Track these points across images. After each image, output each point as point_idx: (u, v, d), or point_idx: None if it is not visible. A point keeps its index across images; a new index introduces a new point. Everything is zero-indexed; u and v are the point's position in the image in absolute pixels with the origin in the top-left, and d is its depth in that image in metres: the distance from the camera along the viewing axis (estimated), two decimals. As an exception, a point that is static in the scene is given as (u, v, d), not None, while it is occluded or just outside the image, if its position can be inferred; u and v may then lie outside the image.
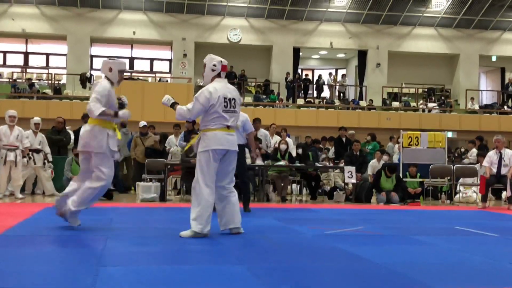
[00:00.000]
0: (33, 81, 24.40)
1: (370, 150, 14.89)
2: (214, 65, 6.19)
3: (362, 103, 26.18)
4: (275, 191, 12.84)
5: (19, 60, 27.00)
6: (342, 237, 6.23)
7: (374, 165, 13.47)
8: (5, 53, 26.79)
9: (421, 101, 26.72)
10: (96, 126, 6.42)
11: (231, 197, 6.24)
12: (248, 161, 10.63)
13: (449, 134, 20.46)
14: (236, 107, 6.19)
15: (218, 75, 6.21)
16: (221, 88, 6.11)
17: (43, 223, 7.20)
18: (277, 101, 24.91)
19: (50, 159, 12.45)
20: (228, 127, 6.09)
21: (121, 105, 6.67)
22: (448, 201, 13.13)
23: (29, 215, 7.86)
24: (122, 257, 4.86)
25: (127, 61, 26.79)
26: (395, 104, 26.37)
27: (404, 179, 12.93)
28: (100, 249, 5.13)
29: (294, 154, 12.97)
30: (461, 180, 13.72)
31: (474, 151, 15.82)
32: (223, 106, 6.05)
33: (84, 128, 6.57)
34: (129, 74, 24.29)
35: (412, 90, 28.01)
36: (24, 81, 24.91)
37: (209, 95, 6.02)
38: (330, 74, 27.94)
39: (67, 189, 6.67)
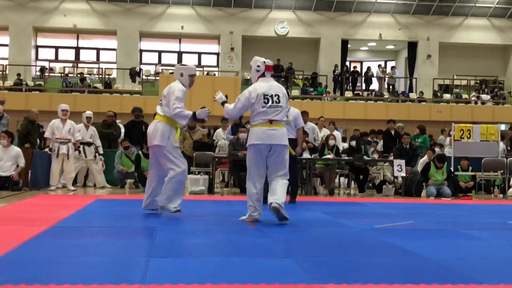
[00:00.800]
0: (84, 75, 24.94)
1: (420, 143, 14.62)
2: (258, 66, 6.69)
3: (412, 95, 25.78)
4: (322, 185, 12.75)
5: (70, 55, 27.62)
6: (391, 231, 6.14)
7: (425, 163, 13.09)
8: (57, 48, 27.45)
9: (473, 93, 26.12)
10: (160, 123, 6.99)
11: (280, 179, 6.46)
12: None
13: (502, 127, 19.95)
14: (281, 102, 6.51)
15: (263, 75, 6.64)
16: (263, 86, 6.52)
17: (94, 214, 7.35)
18: (324, 94, 24.75)
19: (101, 152, 12.67)
20: (270, 122, 6.40)
21: None
22: (501, 195, 12.85)
23: (81, 207, 8.02)
24: (172, 249, 4.90)
25: (175, 55, 27.08)
26: (446, 96, 25.86)
27: (456, 173, 12.68)
28: (150, 240, 5.19)
29: (341, 148, 12.84)
30: (514, 174, 13.36)
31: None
32: (263, 103, 6.44)
33: (151, 125, 7.13)
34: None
35: (464, 82, 27.42)
36: (75, 75, 25.49)
37: (249, 94, 6.53)
38: (379, 66, 27.62)
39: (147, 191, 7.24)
